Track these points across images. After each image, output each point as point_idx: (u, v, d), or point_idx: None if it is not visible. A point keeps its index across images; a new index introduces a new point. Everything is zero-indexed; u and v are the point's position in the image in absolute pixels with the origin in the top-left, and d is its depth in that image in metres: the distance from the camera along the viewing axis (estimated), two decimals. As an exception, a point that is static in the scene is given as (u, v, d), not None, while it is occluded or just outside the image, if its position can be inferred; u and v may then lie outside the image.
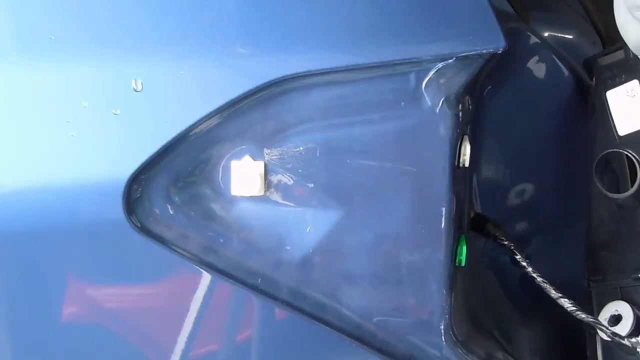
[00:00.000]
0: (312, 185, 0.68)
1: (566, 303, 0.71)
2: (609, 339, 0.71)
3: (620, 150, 0.72)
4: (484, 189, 0.82)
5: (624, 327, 0.70)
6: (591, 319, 0.70)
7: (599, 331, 0.73)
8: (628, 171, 0.72)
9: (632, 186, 0.71)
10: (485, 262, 0.85)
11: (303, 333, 0.72)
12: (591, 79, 0.78)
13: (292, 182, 0.68)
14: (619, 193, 0.72)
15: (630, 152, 0.71)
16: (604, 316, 0.73)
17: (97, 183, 0.64)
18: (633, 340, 0.69)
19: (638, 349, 0.69)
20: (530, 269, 0.73)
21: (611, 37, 0.84)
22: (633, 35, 0.65)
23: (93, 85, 0.64)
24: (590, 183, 0.76)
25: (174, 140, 0.64)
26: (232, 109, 0.65)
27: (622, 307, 0.72)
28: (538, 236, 0.86)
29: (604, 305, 0.74)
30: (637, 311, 0.71)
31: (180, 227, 0.68)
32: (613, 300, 0.74)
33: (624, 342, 0.69)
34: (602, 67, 0.75)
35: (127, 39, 0.64)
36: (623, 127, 0.73)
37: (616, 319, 0.72)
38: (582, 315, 0.70)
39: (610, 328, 0.70)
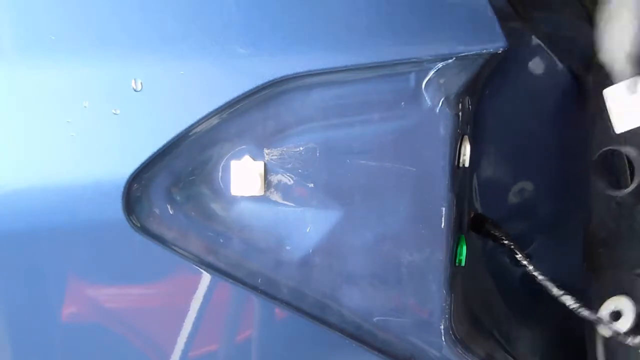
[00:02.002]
0: (312, 185, 0.68)
1: (569, 300, 0.71)
2: (609, 336, 0.71)
3: (617, 149, 0.72)
4: (484, 189, 0.82)
5: (625, 323, 0.70)
6: (594, 317, 0.70)
7: (599, 328, 0.73)
8: (627, 168, 0.72)
9: (630, 183, 0.71)
10: (485, 262, 0.85)
11: (303, 333, 0.72)
12: (589, 77, 0.78)
13: (292, 182, 0.68)
14: (618, 190, 0.72)
15: (628, 149, 0.71)
16: (604, 312, 0.73)
17: (97, 183, 0.64)
18: (637, 341, 0.68)
19: None
20: (531, 268, 0.73)
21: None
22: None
23: (93, 85, 0.64)
24: (589, 181, 0.76)
25: (174, 140, 0.64)
26: (232, 109, 0.65)
27: (622, 303, 0.72)
28: (538, 235, 0.86)
29: (603, 302, 0.74)
30: (637, 306, 0.70)
31: (180, 227, 0.68)
32: (612, 296, 0.73)
33: (627, 341, 0.68)
34: (600, 65, 0.75)
35: (127, 39, 0.64)
36: (620, 124, 0.73)
37: (616, 315, 0.72)
38: (585, 313, 0.70)
39: (614, 326, 0.70)
